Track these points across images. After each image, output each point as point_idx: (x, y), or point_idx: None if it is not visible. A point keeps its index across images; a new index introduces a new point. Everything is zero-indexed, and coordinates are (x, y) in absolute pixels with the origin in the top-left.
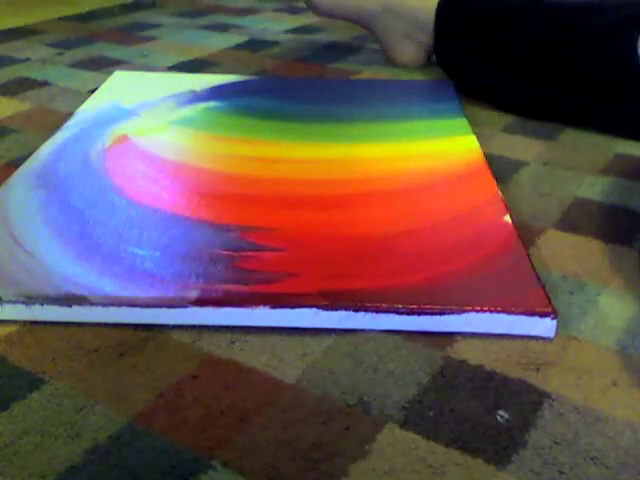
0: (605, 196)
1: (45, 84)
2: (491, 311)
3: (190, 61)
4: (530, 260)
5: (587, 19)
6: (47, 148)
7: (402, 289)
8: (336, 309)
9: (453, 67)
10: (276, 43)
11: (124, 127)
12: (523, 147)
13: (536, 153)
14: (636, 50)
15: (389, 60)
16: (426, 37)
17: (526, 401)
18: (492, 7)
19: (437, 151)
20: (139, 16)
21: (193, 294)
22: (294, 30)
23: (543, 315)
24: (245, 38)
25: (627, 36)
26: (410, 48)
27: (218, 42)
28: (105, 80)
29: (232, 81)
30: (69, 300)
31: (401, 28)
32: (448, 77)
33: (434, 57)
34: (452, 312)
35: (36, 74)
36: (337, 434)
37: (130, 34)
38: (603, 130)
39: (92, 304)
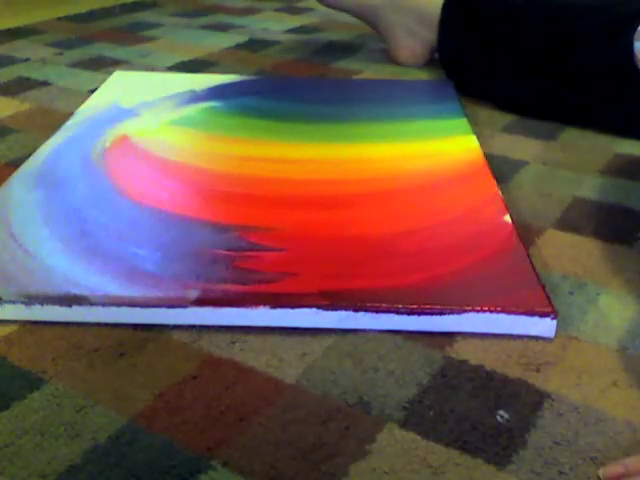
0: (605, 196)
1: (45, 84)
2: (491, 311)
3: (190, 61)
4: (530, 260)
5: (586, 16)
6: (47, 148)
7: (402, 289)
8: (336, 309)
9: (455, 62)
10: (276, 43)
11: (124, 127)
12: (523, 147)
13: (536, 153)
14: (632, 47)
15: (391, 57)
16: (430, 33)
17: (526, 401)
18: (496, 3)
19: (437, 151)
20: (139, 16)
21: (193, 294)
22: (294, 30)
23: (543, 315)
24: (245, 38)
25: (625, 33)
26: (413, 44)
27: (218, 42)
28: (105, 80)
29: (232, 81)
30: (69, 300)
31: (405, 23)
32: (448, 77)
33: (435, 56)
34: (452, 312)
35: (36, 74)
36: (337, 434)
37: (130, 34)
38: (603, 129)
39: (92, 304)
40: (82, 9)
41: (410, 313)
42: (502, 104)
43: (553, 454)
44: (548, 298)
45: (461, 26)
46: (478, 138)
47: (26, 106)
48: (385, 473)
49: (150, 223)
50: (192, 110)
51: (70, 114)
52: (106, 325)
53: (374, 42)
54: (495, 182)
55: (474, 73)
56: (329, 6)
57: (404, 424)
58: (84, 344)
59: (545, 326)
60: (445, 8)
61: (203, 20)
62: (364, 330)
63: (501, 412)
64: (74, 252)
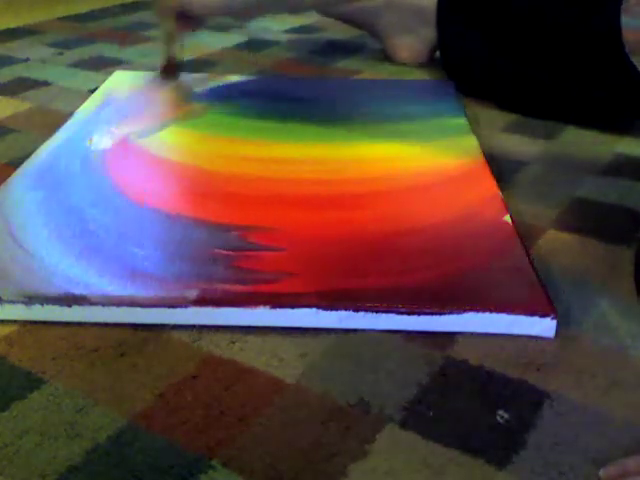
0: (605, 196)
1: (45, 84)
2: (491, 311)
3: (190, 61)
4: (530, 260)
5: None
6: (47, 148)
7: (402, 289)
8: (336, 309)
9: (454, 60)
10: (276, 43)
11: (124, 127)
12: (523, 147)
13: (536, 153)
14: (619, 22)
15: (391, 57)
16: (429, 30)
17: (526, 401)
18: None
19: (437, 151)
20: (139, 16)
21: (193, 294)
22: (294, 30)
23: (543, 315)
24: (245, 38)
25: (611, 5)
26: (413, 43)
27: (218, 42)
28: (105, 80)
29: (232, 81)
30: (69, 300)
31: (404, 22)
32: (449, 76)
33: (437, 54)
34: (452, 312)
35: (36, 74)
36: (337, 434)
37: (130, 34)
38: (602, 128)
39: (92, 304)
40: (82, 9)
41: (410, 313)
42: (501, 100)
43: (553, 454)
44: (548, 298)
45: (458, 21)
46: (478, 138)
47: (26, 106)
48: (385, 473)
49: (150, 223)
50: (192, 110)
51: (70, 114)
52: (106, 325)
53: (374, 42)
54: (495, 182)
55: (474, 70)
56: (328, 15)
57: (404, 424)
58: (84, 344)
59: (545, 326)
60: (439, 5)
61: None
62: (364, 330)
63: (501, 412)
64: (74, 252)
